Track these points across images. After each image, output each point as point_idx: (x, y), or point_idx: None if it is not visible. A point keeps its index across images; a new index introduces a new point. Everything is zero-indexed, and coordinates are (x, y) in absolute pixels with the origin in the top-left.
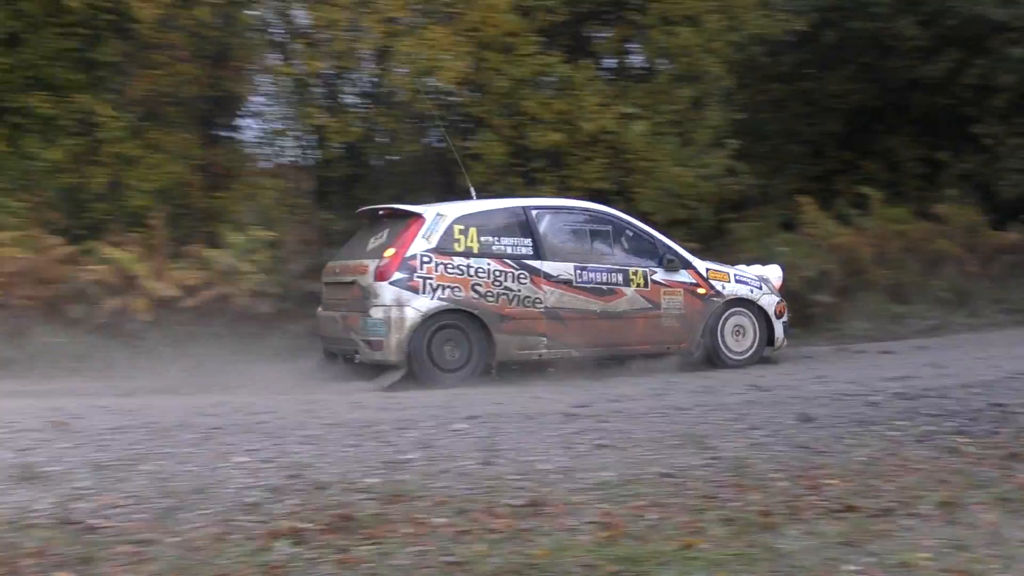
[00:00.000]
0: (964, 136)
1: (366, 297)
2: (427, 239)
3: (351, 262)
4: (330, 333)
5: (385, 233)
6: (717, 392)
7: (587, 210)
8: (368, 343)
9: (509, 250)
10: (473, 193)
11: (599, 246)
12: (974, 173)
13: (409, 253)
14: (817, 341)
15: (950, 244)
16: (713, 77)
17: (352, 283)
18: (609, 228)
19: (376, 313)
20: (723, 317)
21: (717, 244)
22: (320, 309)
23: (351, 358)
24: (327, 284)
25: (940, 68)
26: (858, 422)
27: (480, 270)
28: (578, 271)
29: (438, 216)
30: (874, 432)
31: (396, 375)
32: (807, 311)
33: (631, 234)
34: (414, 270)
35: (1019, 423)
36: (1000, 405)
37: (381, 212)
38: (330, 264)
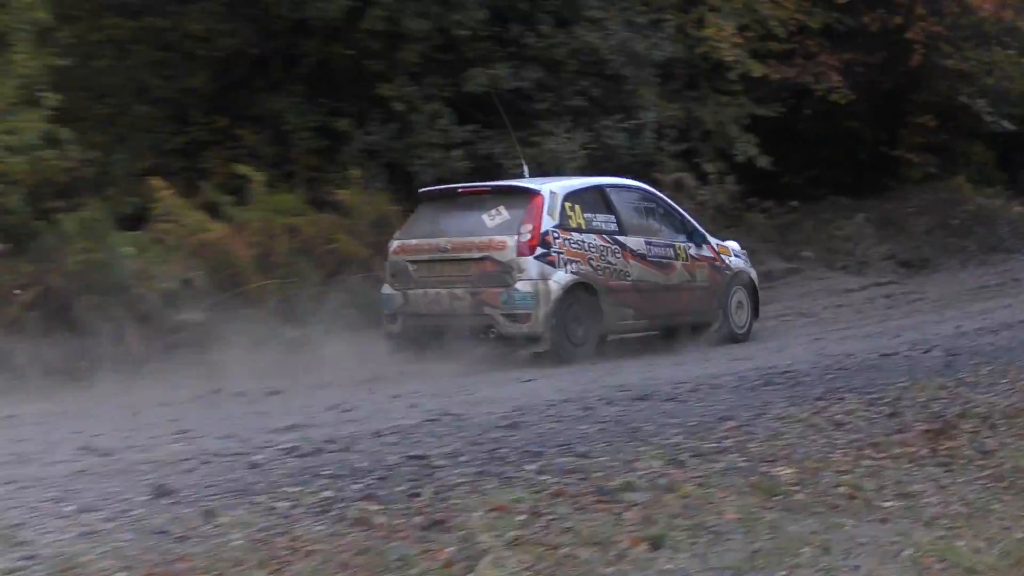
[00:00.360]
0: (370, 99)
1: (506, 272)
2: (551, 215)
3: (471, 238)
4: (438, 310)
5: (502, 209)
6: (34, 461)
7: (639, 188)
8: (512, 316)
9: (603, 226)
10: (526, 171)
11: (652, 222)
12: (383, 148)
13: (543, 229)
14: (180, 377)
15: (355, 243)
16: (21, 4)
17: (482, 259)
18: (654, 205)
19: (524, 287)
20: (731, 290)
21: (33, 246)
22: (400, 287)
23: (483, 333)
24: (418, 262)
25: (336, 7)
26: (235, 492)
27: (592, 245)
28: (648, 246)
29: (552, 193)
30: (257, 504)
31: (541, 346)
32: (169, 337)
33: (664, 211)
34: (550, 245)
35: (442, 479)
36: (419, 458)
37: (473, 190)
38: (418, 242)
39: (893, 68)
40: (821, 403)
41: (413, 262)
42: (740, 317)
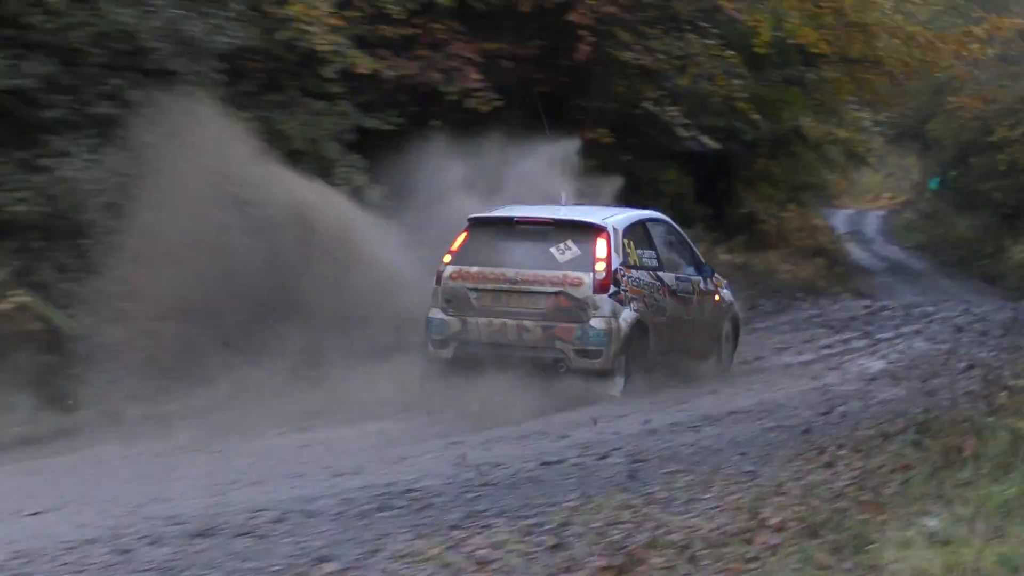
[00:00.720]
0: None
1: (582, 308)
2: (617, 252)
3: (544, 272)
4: (502, 340)
5: (571, 244)
6: None
7: (666, 221)
8: (584, 352)
9: (649, 262)
10: (563, 199)
11: (676, 256)
12: None
13: (614, 266)
14: None
15: None
16: None
17: (556, 294)
18: (675, 238)
19: (599, 324)
20: (723, 323)
21: None
22: (456, 314)
23: (555, 366)
24: (480, 290)
25: None
26: None
27: (644, 282)
28: (677, 281)
29: (614, 229)
30: None
31: (613, 389)
32: None
33: (681, 243)
34: (619, 283)
35: None
36: None
37: (533, 220)
38: (480, 270)
39: (552, 63)
40: (459, 533)
41: (475, 290)
42: (727, 349)
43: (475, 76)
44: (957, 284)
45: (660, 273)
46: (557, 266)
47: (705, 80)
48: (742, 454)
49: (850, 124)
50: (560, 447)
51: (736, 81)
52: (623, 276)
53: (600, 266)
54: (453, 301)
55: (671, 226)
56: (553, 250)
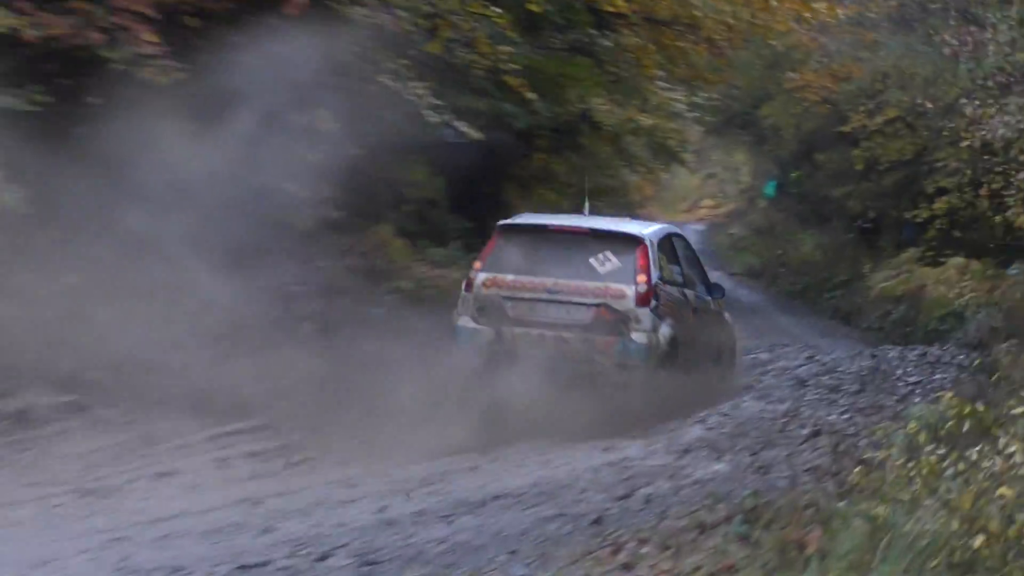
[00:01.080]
0: None
1: (623, 321)
2: (655, 266)
3: (585, 283)
4: (539, 352)
5: (611, 255)
6: None
7: (682, 236)
8: (623, 367)
9: (677, 278)
10: (587, 209)
11: (692, 273)
12: None
13: (653, 280)
14: None
15: None
16: None
17: (598, 305)
18: (691, 254)
19: (640, 338)
20: (729, 345)
21: None
22: (490, 323)
23: (589, 380)
24: (516, 300)
25: None
26: None
27: (676, 298)
28: (697, 299)
29: (651, 241)
30: None
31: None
32: None
33: (695, 259)
34: (659, 297)
35: None
36: None
37: (568, 229)
38: (516, 279)
39: (255, 20)
40: None
41: (511, 299)
42: (728, 374)
43: (149, 37)
44: (800, 323)
45: (685, 290)
46: (598, 277)
47: (462, 47)
48: (511, 553)
49: (658, 108)
50: (262, 544)
51: (505, 48)
52: (661, 290)
53: (642, 278)
54: (487, 310)
55: (687, 242)
56: (593, 261)
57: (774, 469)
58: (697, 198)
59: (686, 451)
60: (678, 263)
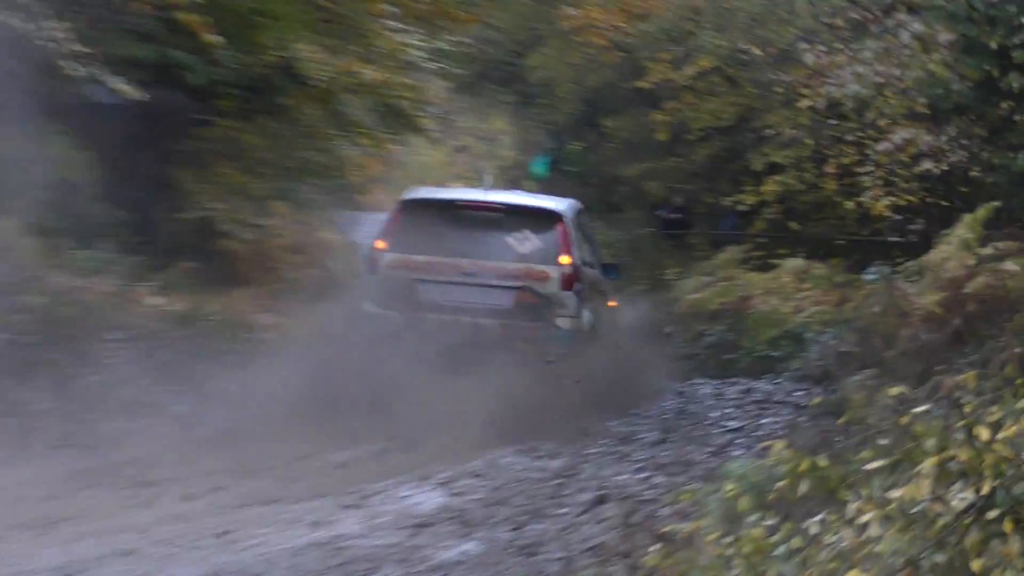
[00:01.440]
0: None
1: (546, 306)
2: (576, 244)
3: (505, 264)
4: (454, 339)
5: (528, 233)
6: None
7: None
8: (544, 355)
9: (588, 257)
10: (488, 182)
11: (595, 251)
12: None
13: (576, 260)
14: None
15: None
16: None
17: (520, 288)
18: (591, 231)
19: (564, 324)
20: (619, 332)
21: None
22: (401, 309)
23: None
24: (429, 282)
25: None
26: None
27: (591, 280)
28: (602, 281)
29: (568, 218)
30: None
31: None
32: None
33: (593, 235)
34: (582, 280)
35: None
36: None
37: (480, 205)
38: (429, 260)
39: None
40: None
41: (422, 281)
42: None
43: None
44: None
45: (595, 272)
46: (518, 257)
47: None
48: None
49: (387, 57)
50: None
51: None
52: (581, 272)
53: (566, 259)
54: (394, 294)
55: (585, 217)
56: (510, 239)
57: (543, 549)
58: (443, 179)
59: (423, 525)
60: (589, 241)
